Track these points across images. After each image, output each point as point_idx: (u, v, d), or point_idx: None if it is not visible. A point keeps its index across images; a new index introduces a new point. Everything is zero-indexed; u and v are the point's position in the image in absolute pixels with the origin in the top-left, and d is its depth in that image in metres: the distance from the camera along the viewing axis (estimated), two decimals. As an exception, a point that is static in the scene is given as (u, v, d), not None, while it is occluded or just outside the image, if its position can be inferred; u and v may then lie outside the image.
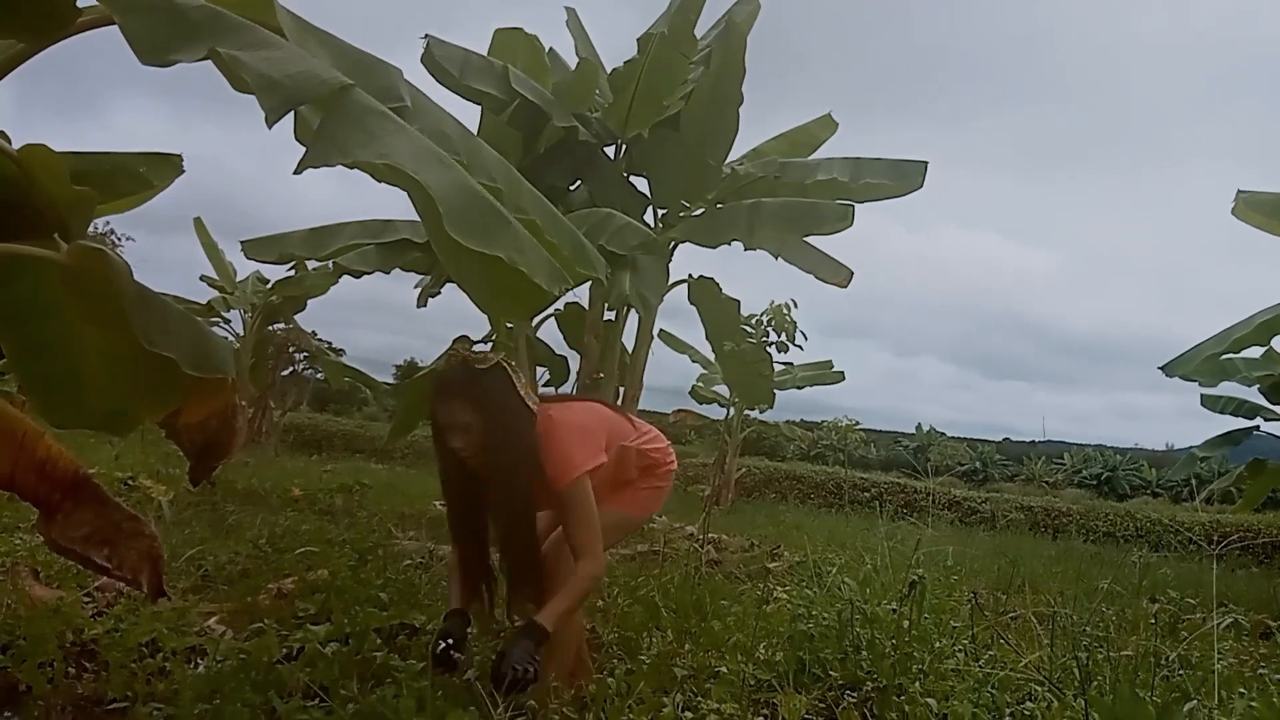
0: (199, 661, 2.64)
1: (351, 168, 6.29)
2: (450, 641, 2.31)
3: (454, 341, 2.41)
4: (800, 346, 7.49)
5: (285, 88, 1.70)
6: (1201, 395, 9.54)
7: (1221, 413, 9.60)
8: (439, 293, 6.96)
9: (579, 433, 2.46)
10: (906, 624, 2.84)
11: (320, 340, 15.57)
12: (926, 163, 6.73)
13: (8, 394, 3.95)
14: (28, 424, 1.97)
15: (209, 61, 1.74)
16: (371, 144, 1.75)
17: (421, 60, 5.68)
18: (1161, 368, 7.59)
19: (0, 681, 2.37)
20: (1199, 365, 7.55)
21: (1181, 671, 2.87)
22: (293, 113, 1.77)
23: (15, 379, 2.44)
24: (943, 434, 32.29)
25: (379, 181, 6.51)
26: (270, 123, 1.64)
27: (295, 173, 1.66)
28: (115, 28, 1.65)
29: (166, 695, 2.28)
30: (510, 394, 2.40)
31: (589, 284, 6.77)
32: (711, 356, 8.56)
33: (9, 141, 2.33)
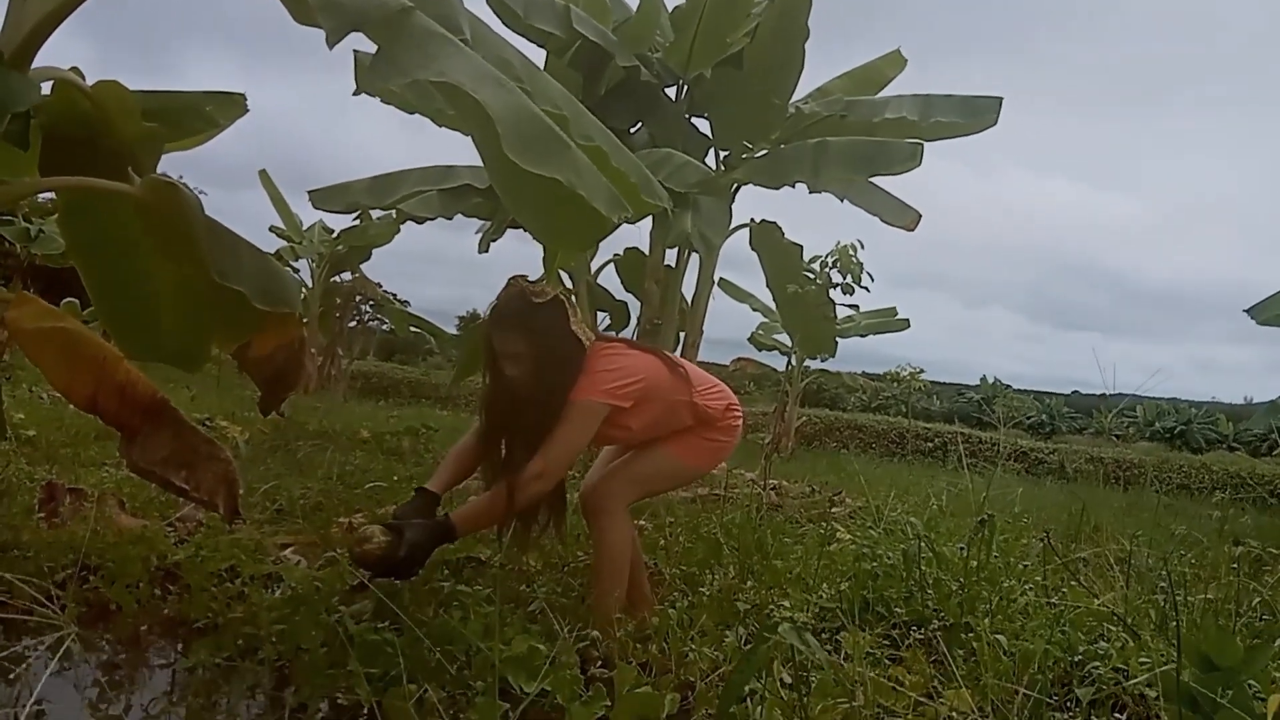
0: (275, 588, 2.74)
1: (403, 110, 6.32)
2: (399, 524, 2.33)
3: (512, 277, 2.42)
4: (866, 288, 7.30)
5: (347, 9, 1.69)
6: (1288, 343, 9.11)
7: (1310, 361, 9.14)
8: (499, 238, 6.99)
9: (611, 371, 2.49)
10: (974, 565, 2.79)
11: (386, 292, 15.83)
12: (1000, 98, 6.47)
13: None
14: (108, 349, 2.03)
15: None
16: (431, 64, 1.73)
17: (487, 1, 5.65)
18: (1248, 310, 7.25)
19: (93, 599, 2.49)
20: (1288, 310, 7.20)
21: (1265, 617, 2.77)
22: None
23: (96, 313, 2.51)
24: (1008, 386, 31.44)
25: (440, 126, 6.56)
26: (331, 43, 1.63)
27: (354, 93, 1.67)
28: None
29: (245, 617, 2.36)
30: (564, 327, 2.45)
31: (650, 228, 6.72)
32: (773, 305, 8.45)
33: (83, 78, 2.37)
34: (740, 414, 2.78)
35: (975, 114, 6.38)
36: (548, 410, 2.42)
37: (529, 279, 2.52)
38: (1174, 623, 2.31)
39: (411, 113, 6.45)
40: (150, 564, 2.73)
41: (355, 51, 4.80)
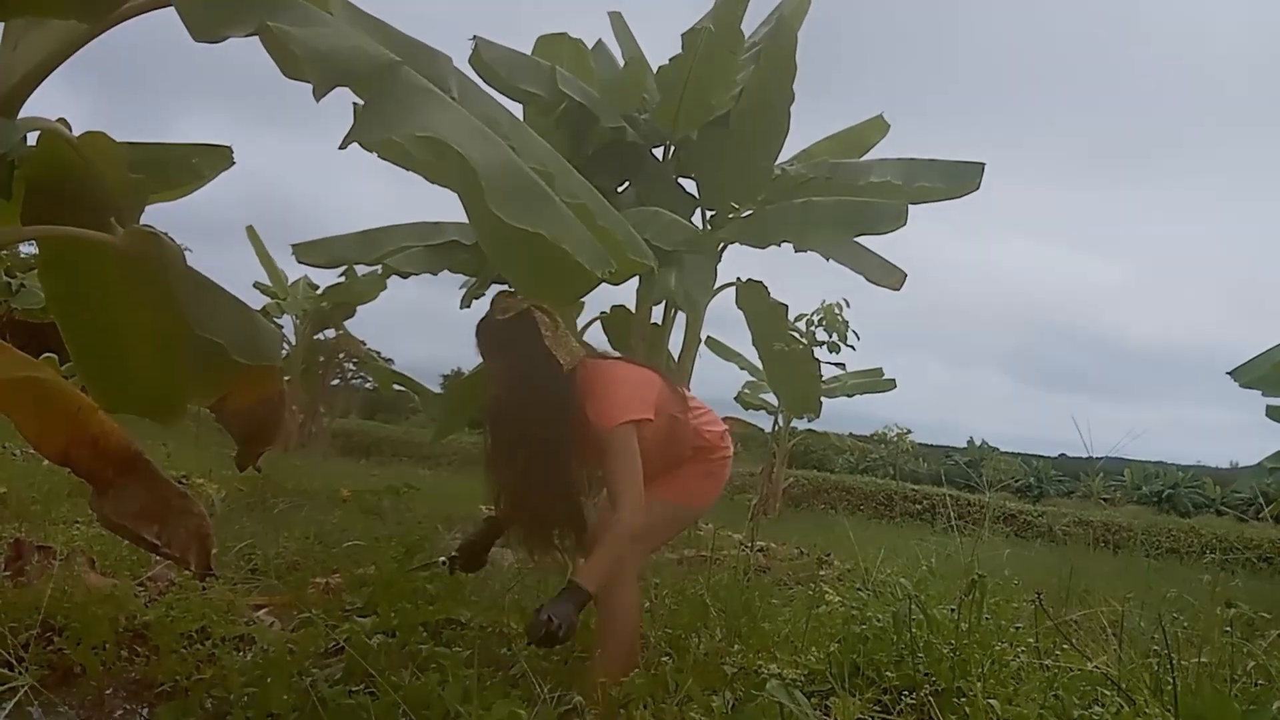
0: (247, 651, 2.65)
1: (399, 165, 6.36)
2: (466, 550, 2.41)
3: (498, 293, 2.36)
4: (852, 347, 7.31)
5: (335, 62, 1.70)
6: (1267, 406, 9.10)
7: (1290, 424, 9.15)
8: (483, 294, 6.99)
9: (624, 383, 2.41)
10: (965, 626, 2.73)
11: (370, 350, 15.77)
12: (983, 164, 6.57)
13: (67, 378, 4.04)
14: (82, 400, 1.99)
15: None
16: (417, 119, 1.74)
17: (470, 62, 5.72)
18: (1230, 373, 7.32)
19: (56, 661, 2.40)
20: (1267, 372, 7.26)
21: (1260, 681, 2.72)
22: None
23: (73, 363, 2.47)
24: (995, 449, 31.45)
25: (433, 183, 6.59)
26: (318, 96, 1.64)
27: (341, 147, 1.64)
28: (171, 22, 1.66)
29: (215, 679, 2.28)
30: (533, 343, 2.34)
31: (636, 286, 6.75)
32: (759, 364, 8.46)
33: (70, 129, 2.37)
34: (730, 443, 2.74)
35: (958, 179, 6.48)
36: (525, 435, 2.35)
37: (512, 294, 2.41)
38: (1169, 686, 2.26)
39: (407, 169, 6.49)
40: (118, 624, 2.64)
41: (355, 104, 4.84)
